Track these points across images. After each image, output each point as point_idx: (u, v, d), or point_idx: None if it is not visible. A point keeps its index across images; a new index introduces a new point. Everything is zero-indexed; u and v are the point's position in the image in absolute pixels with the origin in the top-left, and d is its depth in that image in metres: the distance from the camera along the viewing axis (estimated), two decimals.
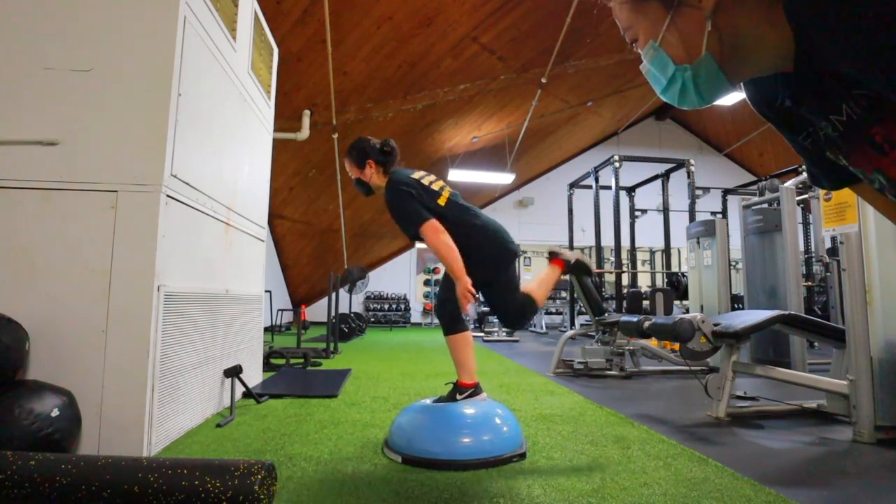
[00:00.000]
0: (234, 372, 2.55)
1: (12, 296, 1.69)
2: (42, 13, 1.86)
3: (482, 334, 8.00)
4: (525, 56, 6.88)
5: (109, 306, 1.75)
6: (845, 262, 2.12)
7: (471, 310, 1.88)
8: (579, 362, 3.80)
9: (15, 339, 1.56)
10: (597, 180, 7.45)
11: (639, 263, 11.12)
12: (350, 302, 9.06)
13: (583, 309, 5.90)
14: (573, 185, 8.36)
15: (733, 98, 6.70)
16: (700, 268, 4.45)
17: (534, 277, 2.15)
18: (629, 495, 1.44)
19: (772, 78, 0.64)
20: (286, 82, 5.27)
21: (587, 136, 11.67)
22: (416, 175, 2.04)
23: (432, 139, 8.38)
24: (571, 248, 8.33)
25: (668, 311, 4.23)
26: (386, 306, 11.51)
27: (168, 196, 1.87)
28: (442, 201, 1.98)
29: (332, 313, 5.43)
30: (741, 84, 0.69)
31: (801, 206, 5.35)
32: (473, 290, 1.83)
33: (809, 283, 6.20)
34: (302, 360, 4.06)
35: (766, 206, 4.32)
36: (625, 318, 3.03)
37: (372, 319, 11.16)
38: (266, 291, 3.66)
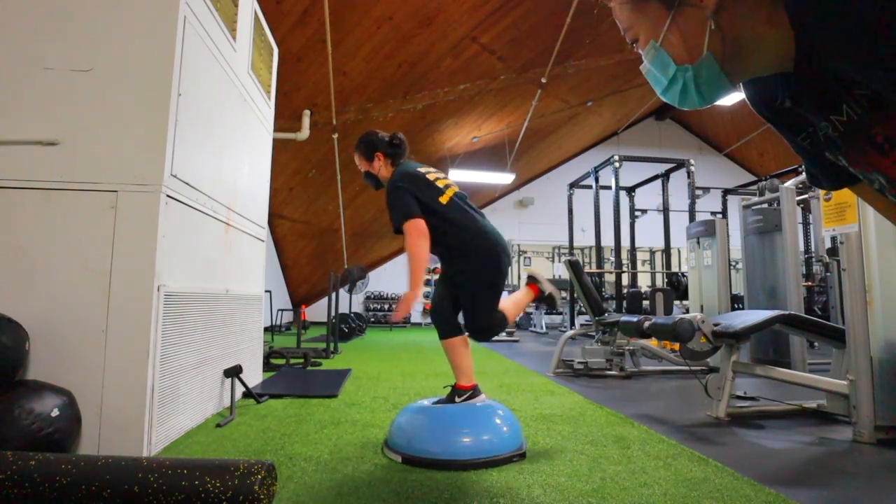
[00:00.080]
0: (234, 372, 2.55)
1: (12, 296, 1.69)
2: (42, 13, 1.86)
3: None
4: (525, 56, 6.88)
5: (109, 306, 1.75)
6: (845, 262, 2.12)
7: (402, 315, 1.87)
8: (579, 362, 3.80)
9: (15, 339, 1.56)
10: (597, 180, 7.45)
11: (639, 263, 11.12)
12: (350, 302, 9.06)
13: (583, 309, 5.91)
14: (573, 185, 8.37)
15: (733, 98, 6.70)
16: (700, 268, 4.45)
17: (508, 297, 2.12)
18: (629, 495, 1.44)
19: (771, 78, 0.64)
20: (286, 82, 5.27)
21: (587, 136, 11.68)
22: (423, 169, 2.03)
23: (432, 139, 8.38)
24: (571, 248, 8.35)
25: (668, 311, 4.23)
26: (386, 306, 11.51)
27: (168, 196, 1.87)
28: (444, 199, 1.96)
29: (332, 313, 5.43)
30: (741, 84, 0.69)
31: (801, 206, 5.35)
32: (412, 307, 1.83)
33: (809, 283, 6.20)
34: (302, 360, 4.06)
35: (766, 206, 4.32)
36: (625, 318, 3.03)
37: (372, 319, 11.16)
38: (266, 291, 3.66)
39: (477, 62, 6.69)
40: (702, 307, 4.35)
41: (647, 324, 2.68)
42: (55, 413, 1.51)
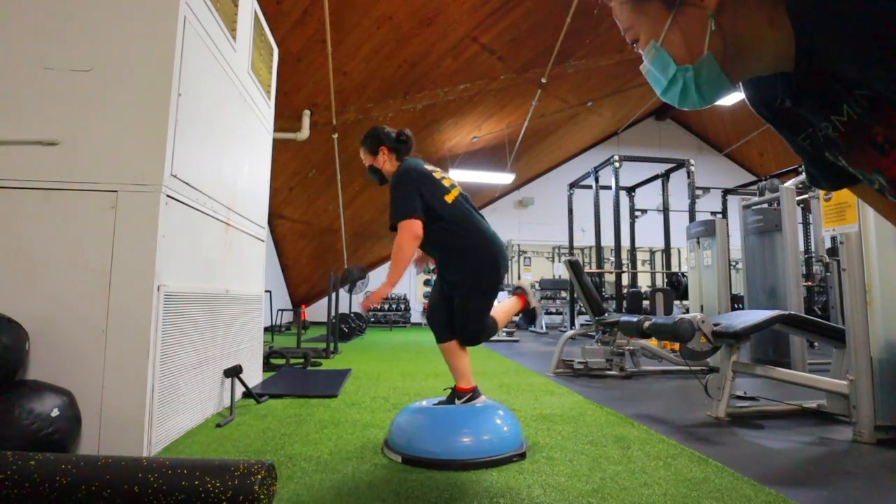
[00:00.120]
0: (234, 372, 2.55)
1: (12, 296, 1.69)
2: (42, 13, 1.86)
3: None
4: (525, 56, 6.88)
5: (109, 306, 1.75)
6: (845, 262, 2.12)
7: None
8: (579, 362, 3.80)
9: (15, 339, 1.56)
10: (597, 180, 7.45)
11: (639, 263, 11.12)
12: (350, 302, 9.05)
13: (583, 309, 5.91)
14: (573, 185, 8.36)
15: (733, 98, 6.70)
16: (700, 268, 4.45)
17: (497, 305, 2.12)
18: (629, 495, 1.44)
19: (771, 78, 0.64)
20: (286, 82, 5.27)
21: (587, 136, 11.68)
22: (429, 167, 2.02)
23: (432, 139, 8.38)
24: (571, 248, 8.34)
25: (668, 311, 4.23)
26: (386, 306, 11.50)
27: (168, 196, 1.87)
28: (449, 198, 1.95)
29: (332, 313, 5.43)
30: (740, 84, 0.69)
31: (801, 206, 5.35)
32: (384, 297, 1.85)
33: (809, 283, 6.20)
34: (302, 360, 4.06)
35: (766, 206, 4.32)
36: (625, 318, 3.03)
37: (372, 319, 11.16)
38: (266, 291, 3.66)
39: (477, 62, 6.69)
40: (702, 307, 4.35)
41: (647, 324, 2.68)
42: (55, 413, 1.51)
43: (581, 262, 5.51)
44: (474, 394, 2.01)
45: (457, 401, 1.99)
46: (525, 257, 12.08)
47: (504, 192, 12.04)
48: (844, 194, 2.13)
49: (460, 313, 1.97)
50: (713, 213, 8.12)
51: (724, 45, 0.60)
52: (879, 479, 1.64)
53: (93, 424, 1.69)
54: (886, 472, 1.70)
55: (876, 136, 0.57)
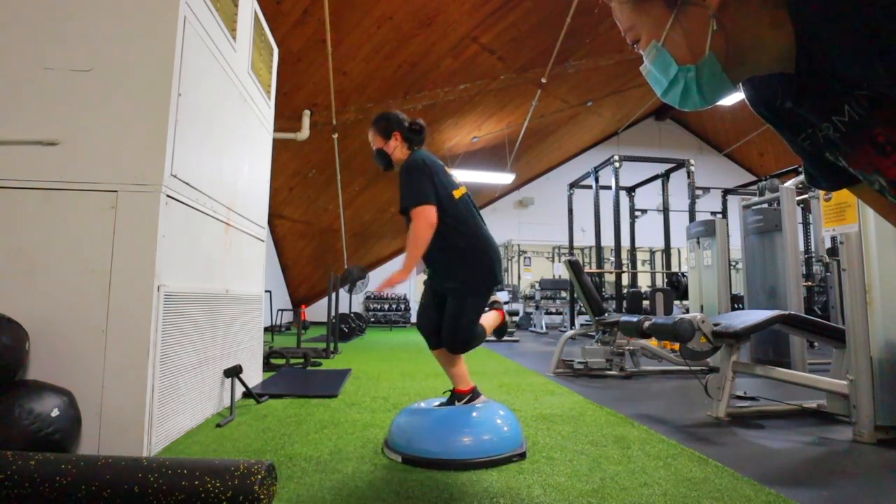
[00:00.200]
0: (234, 372, 2.55)
1: (12, 296, 1.69)
2: (42, 13, 1.86)
3: None
4: (525, 56, 6.88)
5: (109, 306, 1.75)
6: (845, 262, 2.12)
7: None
8: (579, 362, 3.80)
9: (15, 339, 1.56)
10: (597, 180, 7.45)
11: (639, 263, 11.12)
12: (350, 302, 9.05)
13: (583, 309, 5.91)
14: (573, 185, 8.37)
15: (733, 98, 6.70)
16: (700, 268, 4.45)
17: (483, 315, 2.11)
18: (629, 495, 1.44)
19: (771, 78, 0.64)
20: (286, 82, 5.27)
21: (587, 136, 11.68)
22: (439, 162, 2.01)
23: (432, 139, 8.38)
24: (571, 248, 8.35)
25: (668, 311, 4.23)
26: (386, 306, 11.51)
27: (168, 196, 1.87)
28: (457, 194, 1.94)
29: (332, 313, 5.43)
30: (740, 84, 0.69)
31: (801, 206, 5.35)
32: (400, 282, 1.75)
33: (809, 283, 6.20)
34: (302, 360, 4.06)
35: (766, 206, 4.32)
36: (625, 318, 3.03)
37: (372, 319, 11.16)
38: (266, 291, 3.66)
39: (477, 62, 6.69)
40: (702, 307, 4.35)
41: (647, 324, 2.68)
42: (55, 413, 1.51)
43: (581, 262, 5.51)
44: (474, 394, 2.00)
45: (457, 402, 1.98)
46: (525, 257, 12.07)
47: (504, 192, 12.05)
48: (844, 194, 2.13)
49: (452, 317, 1.90)
50: (713, 213, 8.12)
51: (726, 45, 0.60)
52: (879, 479, 1.64)
53: (93, 424, 1.69)
54: (886, 472, 1.70)
55: (877, 137, 0.57)
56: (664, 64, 0.64)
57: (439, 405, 2.01)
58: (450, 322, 1.90)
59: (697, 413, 2.53)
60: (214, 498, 1.17)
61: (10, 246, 1.73)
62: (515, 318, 9.14)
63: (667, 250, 7.34)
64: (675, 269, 8.19)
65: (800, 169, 5.16)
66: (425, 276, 2.09)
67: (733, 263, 9.33)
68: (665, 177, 7.18)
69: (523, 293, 10.98)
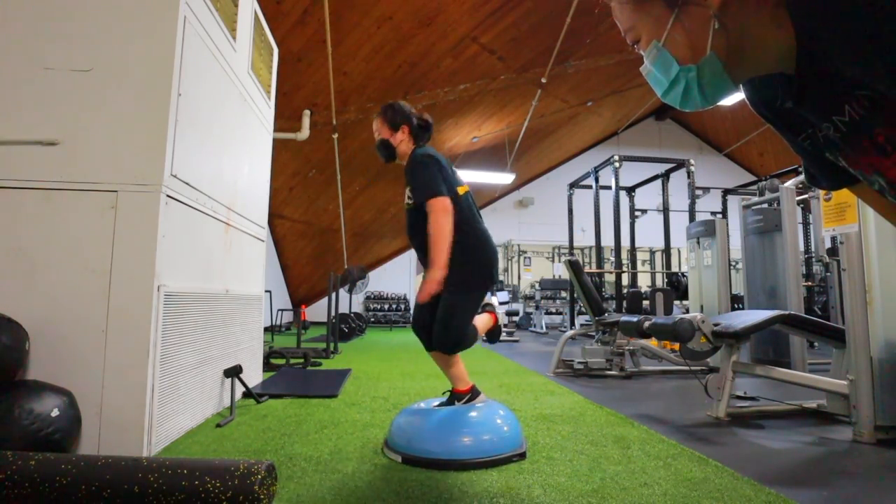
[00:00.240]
0: (234, 372, 2.55)
1: (12, 296, 1.69)
2: (42, 13, 1.86)
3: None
4: (525, 56, 6.88)
5: (109, 306, 1.75)
6: (845, 262, 2.12)
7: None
8: (579, 362, 3.80)
9: (15, 339, 1.56)
10: (597, 180, 7.45)
11: (639, 263, 11.13)
12: (350, 302, 9.05)
13: (583, 309, 5.91)
14: (573, 185, 8.37)
15: (733, 98, 6.69)
16: (700, 268, 4.45)
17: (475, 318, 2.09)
18: (629, 495, 1.44)
19: (771, 78, 0.64)
20: (286, 82, 5.27)
21: (587, 136, 11.68)
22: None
23: (432, 139, 8.36)
24: (571, 248, 8.35)
25: (668, 311, 4.23)
26: (386, 306, 11.51)
27: (168, 196, 1.87)
28: (461, 191, 1.94)
29: (332, 313, 5.43)
30: (741, 84, 0.69)
31: (801, 206, 5.35)
32: (439, 282, 1.70)
33: (809, 283, 6.20)
34: (302, 360, 4.06)
35: (766, 206, 4.32)
36: (625, 318, 3.03)
37: (372, 319, 11.16)
38: (266, 291, 3.66)
39: (477, 62, 6.69)
40: (702, 307, 4.35)
41: (647, 324, 2.68)
42: (55, 413, 1.51)
43: (581, 262, 5.51)
44: (473, 393, 2.00)
45: (457, 403, 1.97)
46: (525, 257, 12.08)
47: (504, 192, 12.05)
48: (844, 194, 2.13)
49: (444, 314, 1.85)
50: (713, 213, 8.12)
51: (727, 44, 0.60)
52: (879, 479, 1.64)
53: (93, 424, 1.69)
54: (886, 472, 1.70)
55: (877, 137, 0.57)
56: (665, 64, 0.64)
57: (438, 405, 2.00)
58: (442, 319, 1.85)
59: (697, 413, 2.53)
60: (214, 498, 1.17)
61: (10, 246, 1.73)
62: (515, 318, 9.14)
63: (667, 250, 7.34)
64: (675, 269, 8.19)
65: (800, 169, 5.17)
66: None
67: (733, 263, 9.33)
68: (665, 177, 7.18)
69: (523, 293, 10.98)
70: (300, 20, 4.99)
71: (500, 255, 12.28)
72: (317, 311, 10.56)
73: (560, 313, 10.73)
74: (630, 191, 7.87)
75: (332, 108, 5.85)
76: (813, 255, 6.37)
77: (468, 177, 9.12)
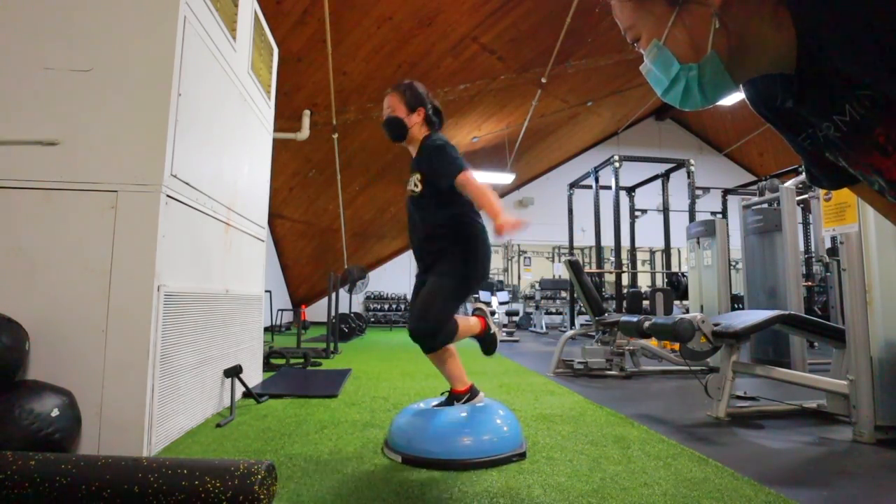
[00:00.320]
0: (234, 372, 2.55)
1: (12, 296, 1.69)
2: (42, 13, 1.86)
3: None
4: (525, 56, 6.88)
5: (109, 306, 1.75)
6: (845, 262, 2.12)
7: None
8: (579, 362, 3.80)
9: (15, 339, 1.55)
10: (597, 180, 7.45)
11: (639, 263, 11.13)
12: (350, 302, 9.06)
13: (583, 309, 5.91)
14: (573, 185, 8.37)
15: (733, 98, 6.69)
16: (700, 268, 4.45)
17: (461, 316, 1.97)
18: (629, 495, 1.44)
19: (771, 78, 0.64)
20: (286, 82, 5.27)
21: (587, 136, 11.68)
22: None
23: None
24: (571, 248, 8.35)
25: (668, 311, 4.23)
26: (386, 306, 11.51)
27: (168, 196, 1.87)
28: None
29: (332, 313, 5.43)
30: (741, 84, 0.69)
31: (801, 206, 5.35)
32: (513, 223, 1.57)
33: (809, 283, 6.20)
34: (302, 360, 4.06)
35: (766, 206, 4.32)
36: (625, 318, 3.03)
37: (372, 319, 11.16)
38: (266, 291, 3.66)
39: (477, 62, 6.69)
40: (702, 307, 4.35)
41: (647, 324, 2.68)
42: (55, 413, 1.51)
43: (581, 262, 5.51)
44: (472, 393, 1.99)
45: (456, 403, 1.97)
46: (525, 257, 12.08)
47: (504, 192, 12.04)
48: (844, 194, 2.13)
49: (427, 294, 1.75)
50: (713, 213, 8.11)
51: (728, 43, 0.60)
52: (879, 479, 1.64)
53: (93, 424, 1.69)
54: (886, 472, 1.70)
55: (878, 137, 0.57)
56: (665, 62, 0.64)
57: (436, 406, 2.00)
58: (424, 300, 1.75)
59: (697, 413, 2.53)
60: (214, 498, 1.17)
61: (10, 246, 1.73)
62: (515, 319, 9.13)
63: (667, 250, 7.34)
64: (675, 269, 8.19)
65: (800, 168, 5.17)
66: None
67: (733, 263, 9.32)
68: (665, 177, 7.18)
69: (523, 293, 10.98)
70: (300, 20, 5.00)
71: (500, 255, 12.29)
72: (317, 311, 10.56)
73: (560, 313, 10.73)
74: (630, 191, 7.87)
75: (332, 108, 5.85)
76: (813, 255, 6.37)
77: None
